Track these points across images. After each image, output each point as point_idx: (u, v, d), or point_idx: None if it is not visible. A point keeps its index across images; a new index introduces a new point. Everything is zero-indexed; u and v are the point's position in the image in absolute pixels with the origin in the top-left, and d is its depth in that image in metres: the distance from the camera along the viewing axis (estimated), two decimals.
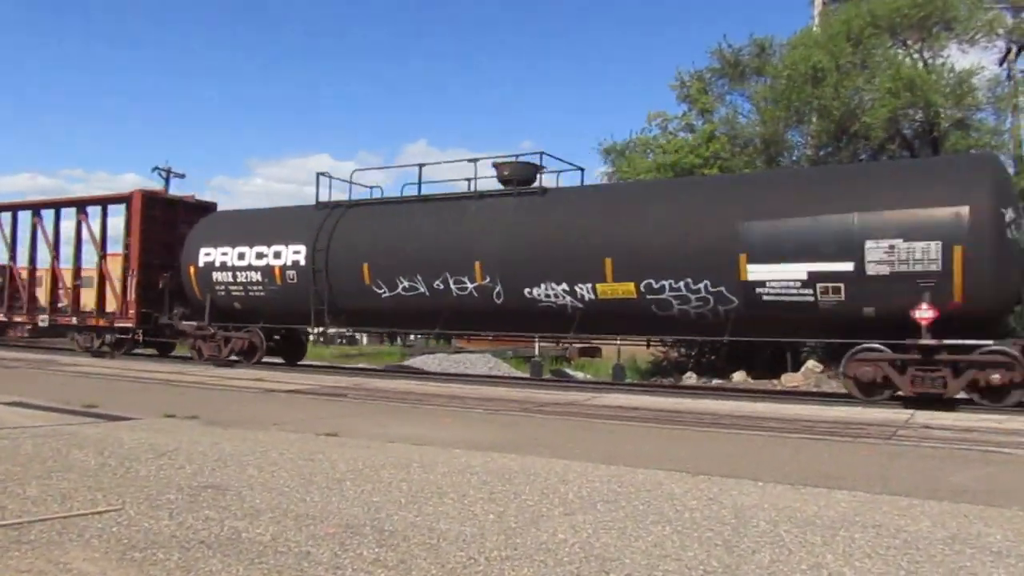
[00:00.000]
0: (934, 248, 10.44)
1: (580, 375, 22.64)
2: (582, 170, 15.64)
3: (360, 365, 22.30)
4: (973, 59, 19.94)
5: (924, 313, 10.42)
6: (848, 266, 10.90)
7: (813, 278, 11.14)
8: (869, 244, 10.78)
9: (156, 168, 34.92)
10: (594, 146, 25.93)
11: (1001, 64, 21.30)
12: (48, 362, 16.91)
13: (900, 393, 10.79)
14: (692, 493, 4.78)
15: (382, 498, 4.53)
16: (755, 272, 11.51)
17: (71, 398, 9.45)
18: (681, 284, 12.09)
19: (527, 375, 21.22)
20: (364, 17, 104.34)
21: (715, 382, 17.65)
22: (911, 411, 9.74)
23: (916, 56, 20.31)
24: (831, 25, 20.58)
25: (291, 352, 18.79)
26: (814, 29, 21.66)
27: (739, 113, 24.14)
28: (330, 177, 16.69)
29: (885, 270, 10.69)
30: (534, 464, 5.70)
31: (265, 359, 17.40)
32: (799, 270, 11.24)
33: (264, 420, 8.02)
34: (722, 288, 11.80)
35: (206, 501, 4.38)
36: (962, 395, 10.79)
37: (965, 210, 10.37)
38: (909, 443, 7.14)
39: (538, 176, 14.74)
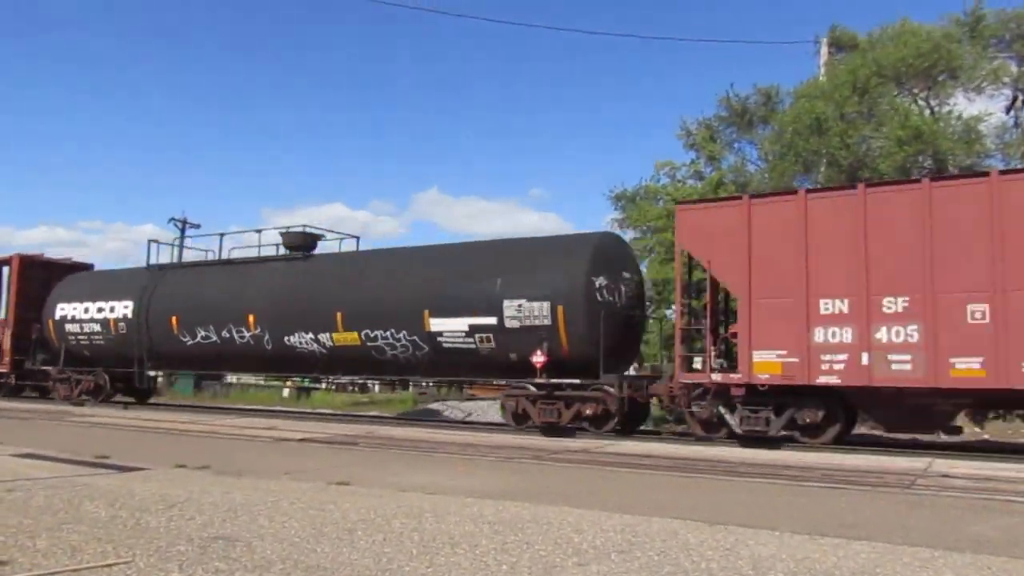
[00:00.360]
0: (546, 307, 13.21)
1: None
2: (357, 238, 18.67)
3: (372, 413, 22.21)
4: (979, 107, 20.08)
5: (538, 358, 13.21)
6: (494, 320, 13.64)
7: (473, 329, 13.90)
8: (506, 303, 13.55)
9: (172, 219, 35.33)
10: (604, 192, 26.12)
11: (1008, 112, 21.43)
12: (62, 413, 16.93)
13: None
14: (708, 543, 4.71)
15: (393, 548, 4.48)
16: (436, 324, 14.33)
17: (83, 449, 9.44)
18: (388, 333, 14.93)
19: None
20: (374, 68, 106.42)
21: None
22: (929, 459, 9.59)
23: (923, 104, 20.49)
24: (837, 75, 20.81)
25: (140, 392, 21.35)
26: (820, 79, 21.91)
27: (747, 161, 24.34)
28: (159, 243, 20.50)
29: (517, 324, 13.47)
30: (547, 513, 5.63)
31: (119, 399, 20.78)
32: (464, 323, 14.00)
33: (275, 469, 7.98)
34: (416, 337, 14.64)
35: (216, 553, 4.34)
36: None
37: (565, 277, 13.28)
38: (928, 492, 7.02)
39: (317, 244, 17.95)
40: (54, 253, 21.89)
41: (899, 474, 8.13)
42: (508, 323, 13.49)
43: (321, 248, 18.09)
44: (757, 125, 24.02)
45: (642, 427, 14.32)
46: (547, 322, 13.17)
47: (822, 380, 11.03)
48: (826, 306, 11.09)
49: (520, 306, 13.34)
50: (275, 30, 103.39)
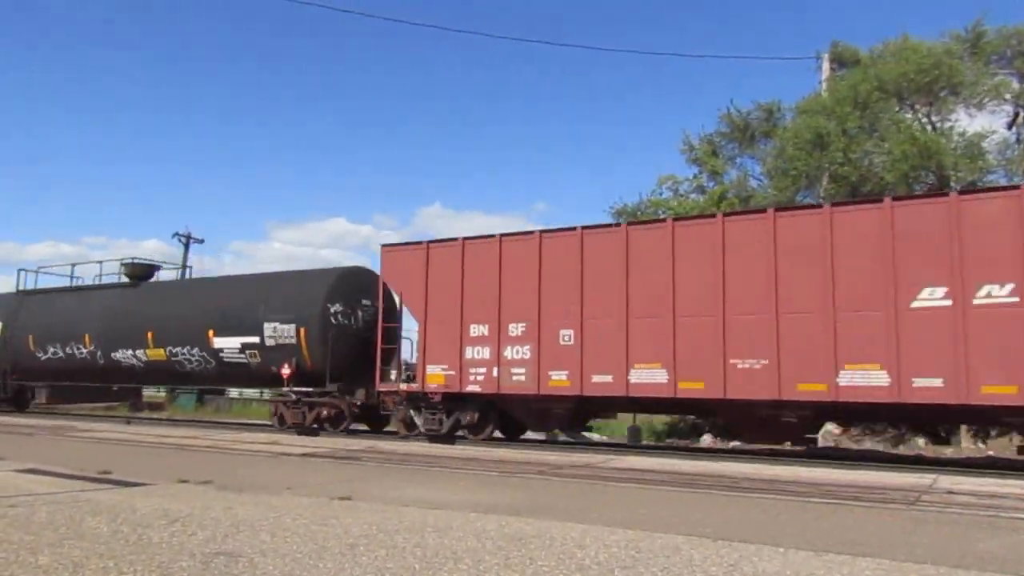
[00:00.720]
0: (292, 329, 16.26)
1: (596, 436, 22.35)
2: (189, 267, 22.53)
3: None
4: (981, 123, 20.15)
5: (285, 370, 16.25)
6: (258, 339, 16.75)
7: (244, 347, 16.98)
8: (266, 325, 16.59)
9: (176, 234, 35.53)
10: (604, 209, 26.16)
11: (1009, 128, 21.48)
12: (64, 428, 16.92)
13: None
14: (712, 559, 4.68)
15: (396, 564, 4.47)
16: (218, 342, 17.44)
17: (86, 464, 9.43)
18: (184, 350, 18.01)
19: (543, 437, 21.00)
20: (378, 82, 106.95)
21: (732, 444, 17.39)
22: (934, 476, 9.55)
23: (924, 120, 20.55)
24: (838, 90, 20.89)
25: (21, 402, 23.73)
26: (822, 94, 22.00)
27: (750, 175, 24.40)
28: (28, 270, 23.30)
29: (274, 342, 16.53)
30: (550, 528, 5.61)
31: (4, 409, 22.74)
32: (237, 341, 17.09)
33: (277, 484, 7.96)
34: (205, 353, 17.70)
35: (218, 568, 4.33)
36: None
37: (307, 304, 16.27)
38: (933, 509, 6.98)
39: (156, 273, 21.39)
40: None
41: (903, 490, 8.10)
42: (268, 341, 16.62)
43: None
44: (759, 140, 24.11)
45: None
46: (293, 341, 16.26)
47: (470, 389, 13.95)
48: (474, 330, 13.96)
49: (275, 328, 16.50)
50: (278, 44, 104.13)
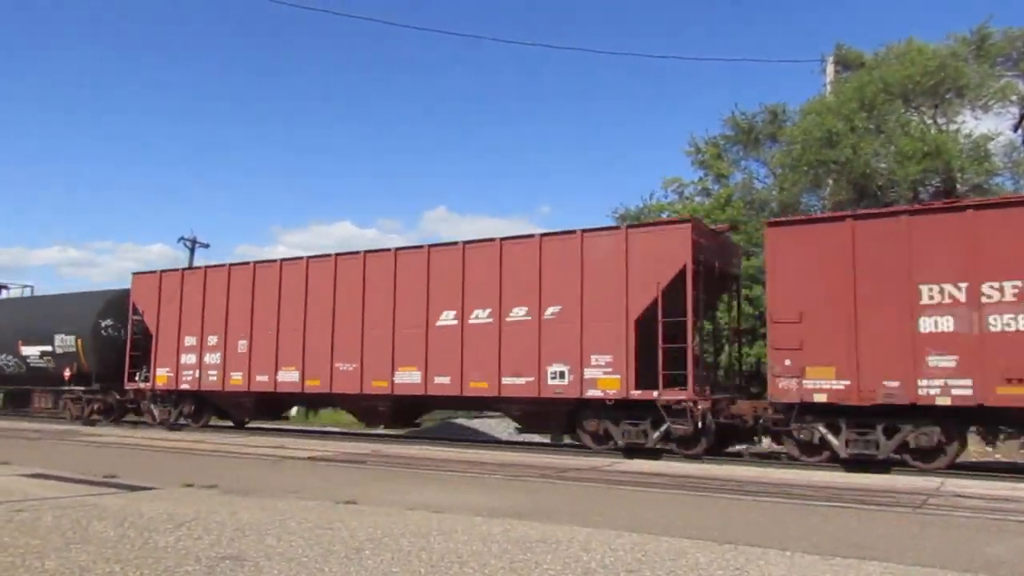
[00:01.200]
0: (73, 339, 20.10)
1: None
2: (31, 287, 26.07)
3: (380, 431, 22.14)
4: (987, 125, 20.08)
5: (67, 373, 20.29)
6: (51, 348, 20.67)
7: (43, 354, 20.84)
8: (56, 336, 20.55)
9: (182, 238, 35.71)
10: (606, 214, 26.10)
11: (1015, 130, 21.40)
12: (70, 432, 16.97)
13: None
14: (718, 563, 4.67)
15: (401, 568, 4.46)
16: (25, 351, 21.37)
17: (91, 468, 9.45)
18: (2, 356, 21.82)
19: (547, 440, 20.98)
20: (382, 86, 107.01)
21: (739, 447, 17.30)
22: (941, 479, 9.51)
23: (930, 122, 20.49)
24: (843, 92, 20.85)
25: None
26: (827, 96, 21.95)
27: (755, 178, 24.37)
28: None
29: (62, 351, 20.30)
30: (555, 532, 5.60)
31: None
32: (38, 350, 20.99)
33: (283, 488, 7.97)
34: (17, 359, 21.62)
35: (224, 572, 4.33)
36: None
37: (84, 320, 20.06)
38: (940, 512, 6.95)
39: (3, 291, 25.96)
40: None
41: (910, 494, 8.06)
42: (58, 349, 20.32)
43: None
44: (764, 143, 24.07)
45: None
46: (74, 350, 19.95)
47: (182, 387, 17.95)
48: (187, 340, 17.93)
49: (62, 338, 20.22)
50: (282, 49, 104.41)
